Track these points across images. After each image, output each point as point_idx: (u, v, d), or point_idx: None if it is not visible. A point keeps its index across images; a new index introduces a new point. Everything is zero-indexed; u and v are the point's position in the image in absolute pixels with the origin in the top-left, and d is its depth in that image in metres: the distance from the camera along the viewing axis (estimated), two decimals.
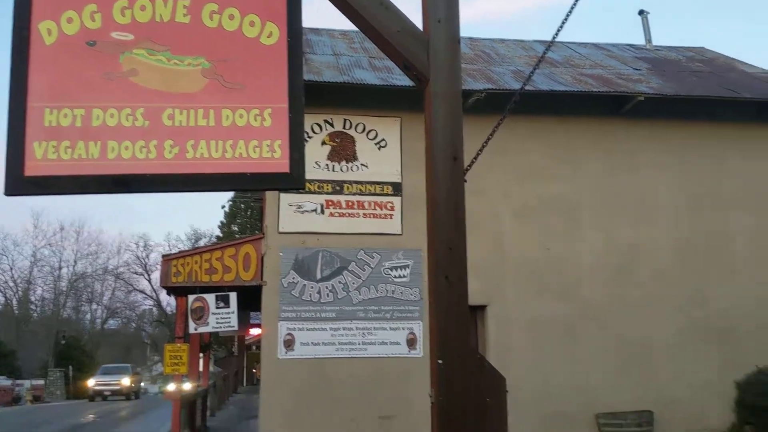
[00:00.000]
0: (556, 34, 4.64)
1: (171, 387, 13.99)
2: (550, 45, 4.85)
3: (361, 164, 12.15)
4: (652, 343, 12.41)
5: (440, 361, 3.70)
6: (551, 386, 11.79)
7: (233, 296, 11.65)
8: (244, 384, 35.39)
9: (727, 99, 13.11)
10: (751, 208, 13.30)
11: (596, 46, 17.51)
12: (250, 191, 20.82)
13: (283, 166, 3.74)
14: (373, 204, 12.15)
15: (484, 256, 11.99)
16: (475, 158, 4.28)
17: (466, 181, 3.97)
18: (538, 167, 12.75)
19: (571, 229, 12.68)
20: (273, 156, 3.74)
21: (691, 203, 13.12)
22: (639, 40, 18.96)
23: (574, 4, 4.52)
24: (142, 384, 42.18)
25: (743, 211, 13.25)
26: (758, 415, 11.89)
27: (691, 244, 12.95)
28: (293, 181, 3.79)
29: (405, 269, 11.97)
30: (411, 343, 11.66)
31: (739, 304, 12.85)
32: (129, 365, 38.08)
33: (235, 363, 31.93)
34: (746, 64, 16.53)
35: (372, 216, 12.11)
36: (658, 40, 18.64)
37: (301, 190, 11.80)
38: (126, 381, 33.34)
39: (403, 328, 11.76)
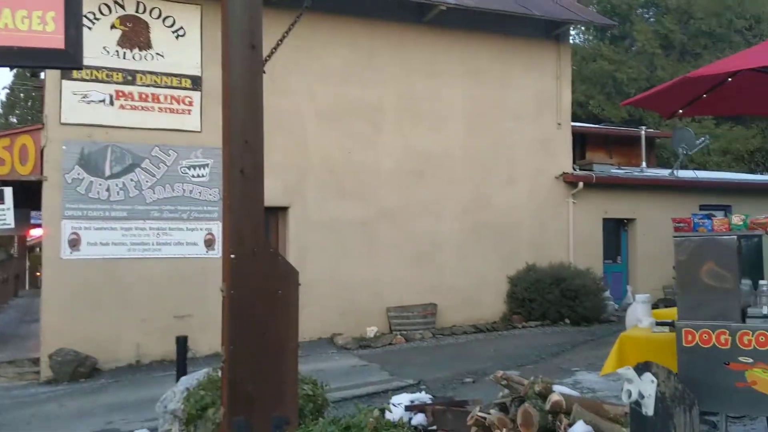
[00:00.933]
0: None
1: None
2: None
3: (157, 53, 11.30)
4: (440, 242, 13.32)
5: (233, 256, 3.65)
6: (348, 282, 12.31)
7: (8, 191, 10.53)
8: (27, 287, 33.03)
9: (519, 15, 13.86)
10: (530, 119, 14.46)
11: None
12: (22, 69, 18.62)
13: (58, 41, 3.32)
14: (169, 98, 11.44)
15: (288, 157, 11.94)
16: (275, 49, 4.12)
17: (264, 72, 3.83)
18: (342, 69, 12.73)
19: (371, 134, 12.96)
20: (45, 29, 3.31)
21: (480, 113, 13.94)
22: None
23: None
24: None
25: (523, 122, 14.37)
26: (525, 305, 13.40)
27: (477, 151, 13.85)
28: (69, 59, 3.40)
29: (204, 168, 11.56)
30: (209, 243, 11.45)
31: (517, 208, 14.15)
32: None
33: (15, 266, 29.56)
34: None
35: (168, 111, 11.42)
36: None
37: (87, 78, 10.77)
38: None
39: (201, 229, 11.48)
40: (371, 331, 12.22)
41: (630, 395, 2.33)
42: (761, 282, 5.15)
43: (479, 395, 6.49)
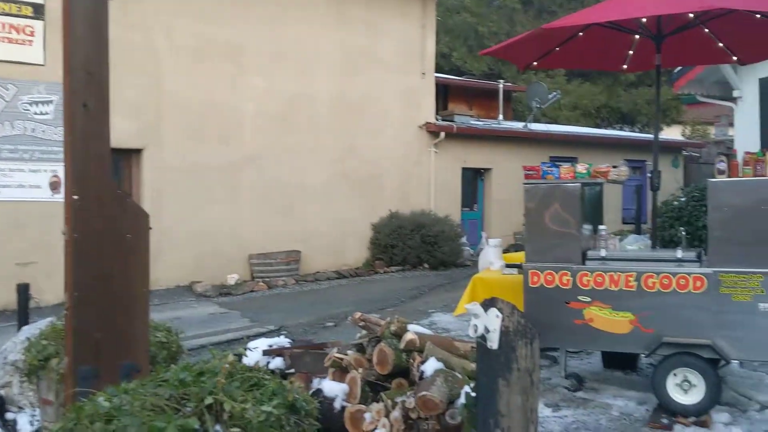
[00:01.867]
0: None
1: None
2: None
3: None
4: (306, 189, 13.23)
5: (75, 197, 3.39)
6: (208, 229, 11.94)
7: None
8: None
9: None
10: (396, 68, 14.54)
11: None
12: None
13: None
14: (7, 26, 10.37)
15: (142, 96, 11.25)
16: None
17: None
18: (203, 5, 12.08)
19: (235, 75, 12.48)
20: None
21: (348, 59, 13.83)
22: None
23: None
24: None
25: (390, 71, 14.43)
26: (387, 251, 13.70)
27: (345, 98, 13.77)
28: None
29: (48, 105, 10.66)
30: (54, 186, 10.65)
31: (383, 156, 14.29)
32: None
33: None
34: None
35: (6, 40, 10.36)
36: None
37: None
38: None
39: (46, 171, 10.65)
40: (232, 278, 12.00)
41: (476, 330, 2.43)
42: (600, 227, 5.55)
43: (340, 338, 6.60)
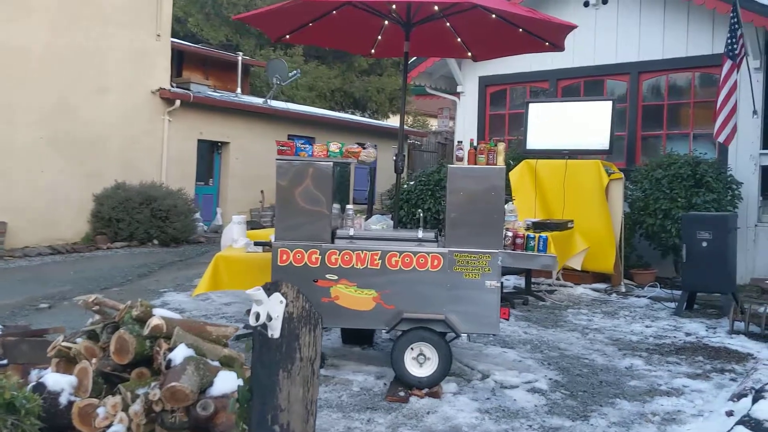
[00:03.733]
0: None
1: None
2: None
3: None
4: (12, 153, 11.58)
5: None
6: None
7: None
8: None
9: None
10: (127, 25, 13.36)
11: None
12: None
13: None
14: None
15: None
16: None
17: None
18: None
19: None
20: None
21: (70, 9, 12.34)
22: None
23: None
24: None
25: (120, 27, 13.22)
26: (112, 225, 12.60)
27: (64, 52, 12.29)
28: None
29: None
30: None
31: (107, 121, 13.05)
32: None
33: None
34: None
35: None
36: None
37: None
38: None
39: None
40: None
41: (258, 318, 2.21)
42: (348, 206, 5.61)
43: (58, 322, 5.84)
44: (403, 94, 6.30)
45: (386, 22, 6.21)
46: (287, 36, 6.14)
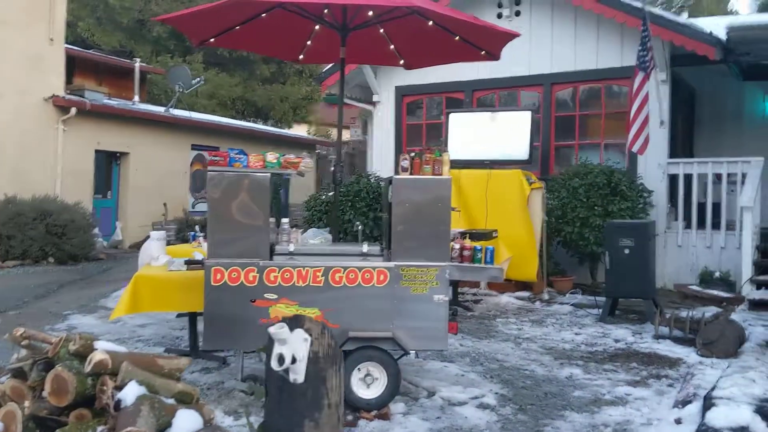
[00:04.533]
0: None
1: None
2: None
3: None
4: None
5: None
6: None
7: None
8: None
9: None
10: (19, 27, 12.39)
11: None
12: None
13: None
14: None
15: None
16: None
17: None
18: None
19: None
20: None
21: None
22: None
23: None
24: None
25: (10, 29, 12.24)
26: (2, 243, 11.60)
27: None
28: None
29: None
30: None
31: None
32: None
33: None
34: None
35: None
36: None
37: None
38: None
39: None
40: None
41: (282, 360, 1.89)
42: (283, 220, 5.30)
43: None
44: (339, 100, 6.05)
45: (317, 27, 5.96)
46: (212, 40, 5.77)
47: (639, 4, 9.21)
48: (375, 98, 12.06)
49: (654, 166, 9.79)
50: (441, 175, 4.90)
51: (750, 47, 9.17)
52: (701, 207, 9.62)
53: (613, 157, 10.25)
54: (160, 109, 16.82)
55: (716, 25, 9.38)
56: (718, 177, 9.59)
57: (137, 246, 15.24)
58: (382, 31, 5.93)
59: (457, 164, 9.31)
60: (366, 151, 14.28)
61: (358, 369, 4.74)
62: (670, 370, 5.86)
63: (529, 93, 11.03)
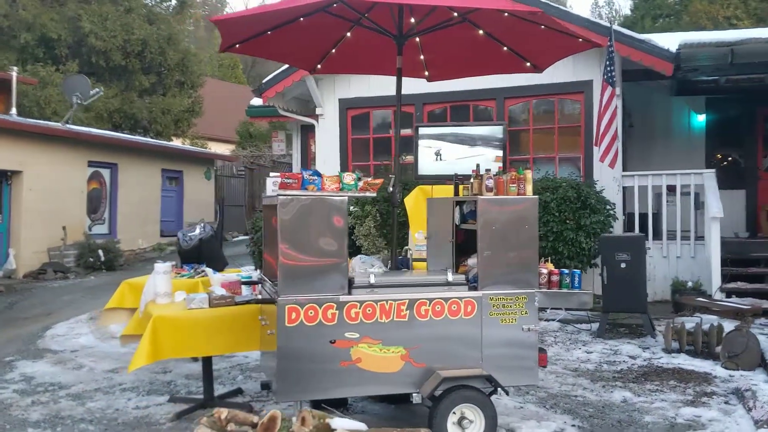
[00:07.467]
0: None
1: None
2: None
3: None
4: None
5: None
6: None
7: None
8: None
9: None
10: None
11: None
12: None
13: None
14: None
15: None
16: None
17: None
18: None
19: None
20: None
21: None
22: None
23: None
24: None
25: None
26: None
27: None
28: None
29: None
30: None
31: None
32: None
33: None
34: None
35: None
36: None
37: None
38: None
39: None
40: None
41: None
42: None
43: None
44: (397, 113, 5.51)
45: (348, 34, 5.41)
46: (237, 45, 5.05)
47: (594, 19, 9.37)
48: (318, 111, 11.46)
49: (609, 179, 9.98)
50: (526, 194, 4.55)
51: (698, 64, 9.58)
52: (656, 218, 9.93)
53: (568, 170, 10.37)
54: (56, 123, 15.18)
55: (669, 42, 9.72)
56: (670, 189, 9.95)
57: (32, 275, 13.56)
58: (418, 39, 5.49)
59: (427, 180, 9.02)
60: (291, 165, 13.63)
61: (453, 413, 4.27)
62: (710, 386, 5.84)
63: (482, 107, 10.94)
